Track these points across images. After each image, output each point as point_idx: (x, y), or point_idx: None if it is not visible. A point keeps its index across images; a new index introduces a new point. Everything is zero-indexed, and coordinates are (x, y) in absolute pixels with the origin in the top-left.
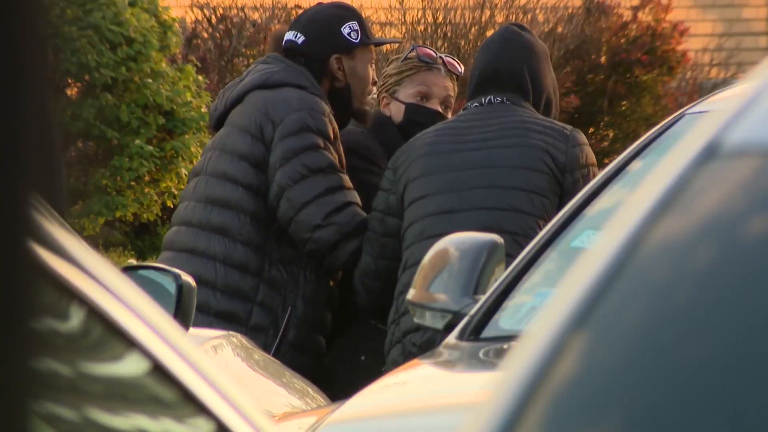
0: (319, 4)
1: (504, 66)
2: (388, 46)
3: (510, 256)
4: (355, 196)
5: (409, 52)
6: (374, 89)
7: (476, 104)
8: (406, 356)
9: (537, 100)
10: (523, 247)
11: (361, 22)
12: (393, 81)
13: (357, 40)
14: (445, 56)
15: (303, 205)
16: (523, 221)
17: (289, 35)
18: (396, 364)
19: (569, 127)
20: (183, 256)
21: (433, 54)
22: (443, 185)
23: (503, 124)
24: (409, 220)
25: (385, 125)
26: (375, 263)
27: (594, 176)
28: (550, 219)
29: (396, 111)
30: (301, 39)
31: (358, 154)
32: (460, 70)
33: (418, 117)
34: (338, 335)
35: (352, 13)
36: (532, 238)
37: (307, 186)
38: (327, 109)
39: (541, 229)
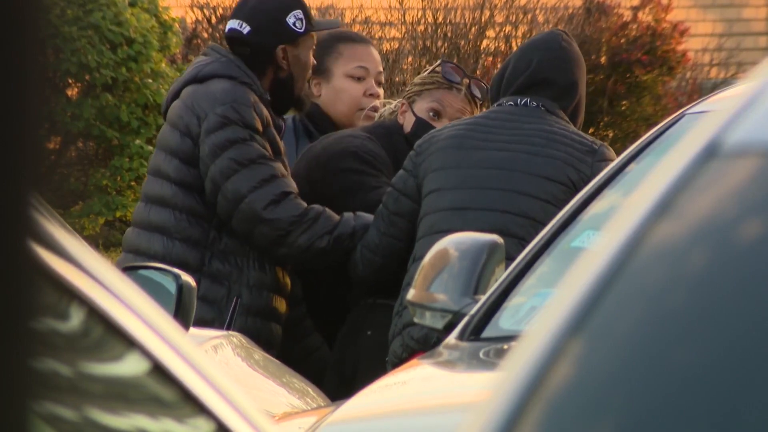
0: None
1: (556, 76)
2: (387, 45)
3: (512, 260)
4: (290, 185)
5: (437, 65)
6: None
7: (511, 103)
8: (405, 349)
9: (574, 111)
10: None
11: (305, 9)
12: (414, 90)
13: (302, 30)
14: (473, 78)
15: (239, 200)
16: (533, 228)
17: (233, 24)
18: (396, 355)
19: (599, 142)
20: (129, 256)
21: (459, 74)
22: (459, 181)
23: (532, 130)
24: (423, 212)
25: (392, 133)
26: (380, 238)
27: None
28: None
29: (408, 121)
30: (246, 29)
31: (357, 156)
32: (480, 95)
33: (422, 133)
34: (340, 321)
35: (296, 1)
36: None
37: (239, 180)
38: (253, 98)
39: None
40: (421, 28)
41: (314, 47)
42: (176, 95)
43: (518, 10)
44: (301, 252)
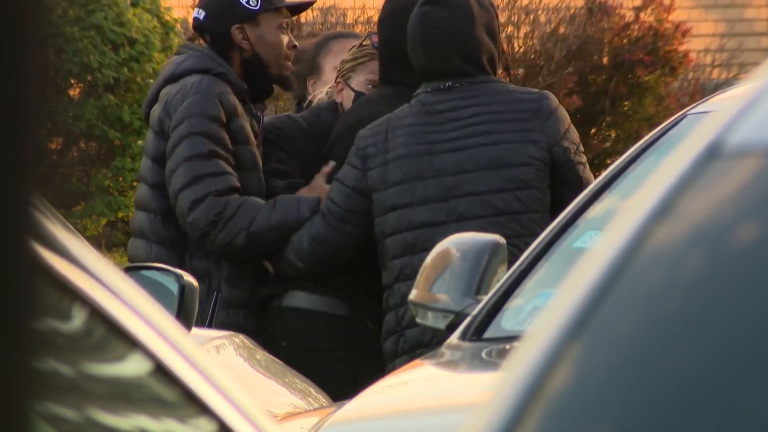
0: None
1: (453, 54)
2: None
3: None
4: (222, 181)
5: (365, 38)
6: (292, 53)
7: (437, 87)
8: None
9: (491, 58)
10: (518, 247)
11: None
12: (347, 67)
13: (257, 7)
14: (373, 34)
15: (174, 196)
16: (513, 222)
17: (194, 13)
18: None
19: (536, 93)
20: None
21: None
22: (427, 194)
23: (474, 119)
24: (394, 227)
25: (321, 110)
26: (331, 233)
27: (574, 132)
28: (543, 209)
29: (347, 98)
30: (202, 15)
31: (267, 139)
32: None
33: None
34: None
35: None
36: (527, 236)
37: (177, 176)
38: (220, 88)
39: (536, 223)
40: None
41: (284, 24)
42: (155, 99)
43: (520, 10)
44: (223, 248)
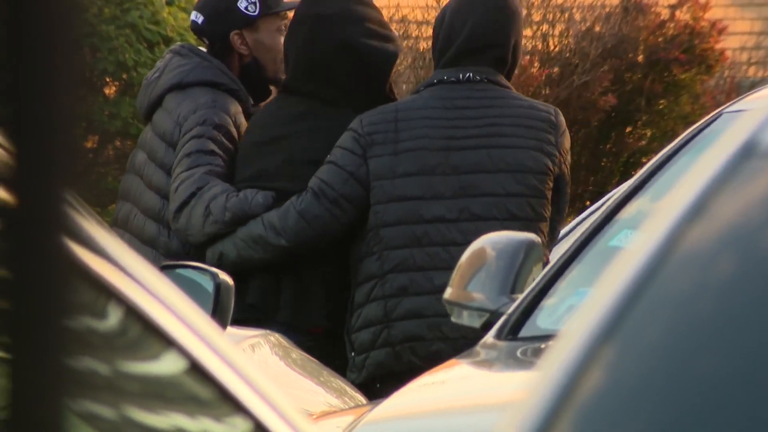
0: None
1: (494, 38)
2: (424, 44)
3: None
4: (203, 184)
5: None
6: None
7: (453, 79)
8: (404, 363)
9: (512, 68)
10: None
11: None
12: None
13: (256, 13)
14: None
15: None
16: (525, 228)
17: (192, 15)
18: (382, 366)
19: (552, 108)
20: None
21: None
22: (442, 190)
23: (495, 119)
24: (398, 217)
25: None
26: (323, 212)
27: (569, 160)
28: (547, 219)
29: None
30: (200, 19)
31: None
32: None
33: None
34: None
35: None
36: None
37: (175, 168)
38: (234, 108)
39: (542, 231)
40: None
41: (282, 27)
42: (158, 101)
43: (555, 8)
44: (185, 224)
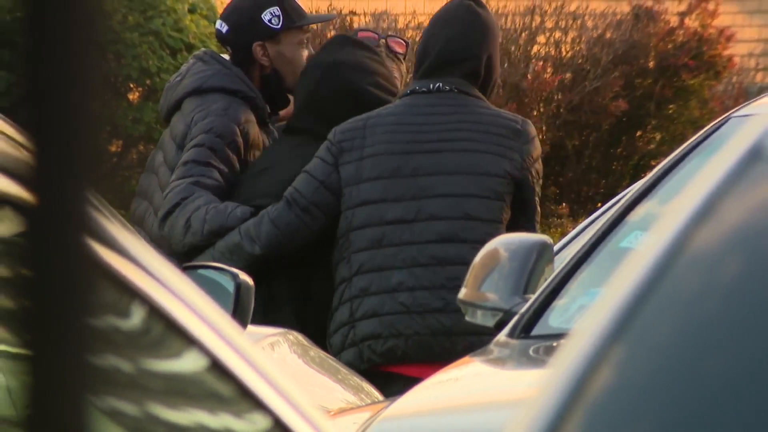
0: None
1: (465, 53)
2: None
3: (468, 265)
4: (207, 179)
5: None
6: None
7: (424, 89)
8: (365, 361)
9: (486, 82)
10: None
11: (284, 6)
12: None
13: (279, 26)
14: (389, 36)
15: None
16: (478, 228)
17: (216, 24)
18: (351, 365)
19: (519, 119)
20: None
21: (375, 38)
22: (400, 192)
23: (458, 125)
24: (362, 221)
25: None
26: (293, 219)
27: (541, 165)
28: (504, 221)
29: None
30: (225, 28)
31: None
32: (401, 50)
33: None
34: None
35: None
36: None
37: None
38: (245, 117)
39: (498, 232)
40: None
41: (305, 41)
42: (177, 105)
43: (568, 16)
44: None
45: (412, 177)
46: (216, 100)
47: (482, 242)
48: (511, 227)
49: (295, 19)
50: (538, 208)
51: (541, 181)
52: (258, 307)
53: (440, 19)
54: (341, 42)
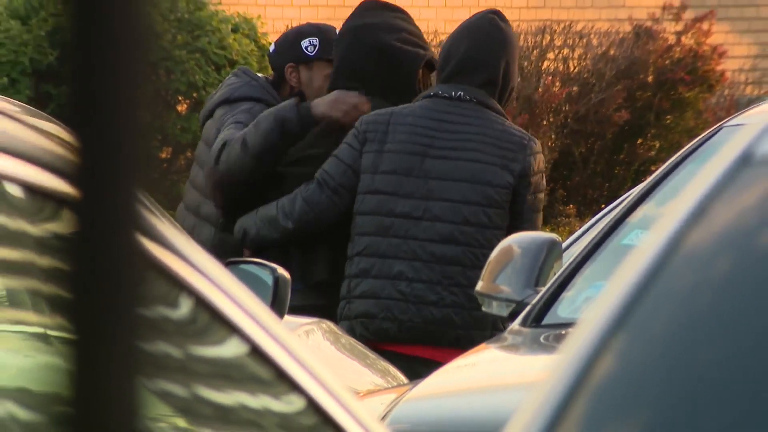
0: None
1: (485, 60)
2: None
3: (465, 266)
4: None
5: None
6: None
7: (445, 95)
8: (357, 336)
9: (503, 93)
10: (476, 256)
11: (323, 39)
12: None
13: (313, 54)
14: None
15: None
16: (478, 233)
17: (271, 47)
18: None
19: (527, 135)
20: None
21: None
22: (413, 190)
23: (469, 135)
24: (372, 208)
25: None
26: (324, 199)
27: (542, 183)
28: (504, 227)
29: None
30: (272, 48)
31: None
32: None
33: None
34: None
35: (316, 31)
36: (487, 248)
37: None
38: None
39: (497, 238)
40: None
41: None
42: (211, 113)
43: (575, 34)
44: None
45: (422, 178)
46: (242, 106)
47: (478, 246)
48: (509, 232)
49: (328, 51)
50: (535, 215)
51: (541, 194)
52: (296, 261)
53: (465, 29)
54: (369, 6)
